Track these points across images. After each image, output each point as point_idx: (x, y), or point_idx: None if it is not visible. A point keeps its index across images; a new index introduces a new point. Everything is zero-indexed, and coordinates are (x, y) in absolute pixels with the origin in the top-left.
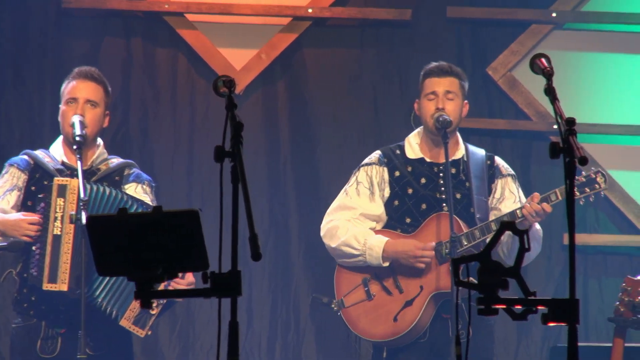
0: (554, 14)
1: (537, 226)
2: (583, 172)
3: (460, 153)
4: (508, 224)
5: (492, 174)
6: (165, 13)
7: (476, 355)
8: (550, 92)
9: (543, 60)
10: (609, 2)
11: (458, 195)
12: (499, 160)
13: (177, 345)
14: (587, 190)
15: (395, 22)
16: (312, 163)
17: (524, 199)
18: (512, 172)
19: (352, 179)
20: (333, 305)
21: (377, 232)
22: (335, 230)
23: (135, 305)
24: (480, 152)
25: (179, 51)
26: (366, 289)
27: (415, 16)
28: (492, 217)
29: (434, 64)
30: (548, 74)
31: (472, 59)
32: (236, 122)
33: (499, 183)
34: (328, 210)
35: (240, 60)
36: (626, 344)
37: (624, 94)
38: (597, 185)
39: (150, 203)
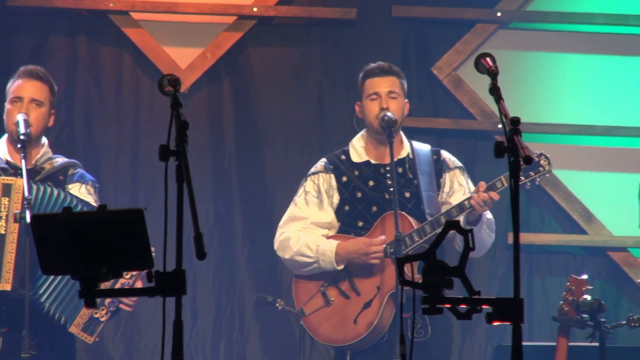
0: (499, 14)
1: (489, 215)
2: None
3: (405, 152)
4: (452, 223)
5: (440, 168)
6: (110, 11)
7: (435, 354)
8: (495, 91)
9: (488, 59)
10: (554, 1)
11: (407, 194)
12: (445, 154)
13: (121, 345)
14: (532, 174)
15: (340, 21)
16: (257, 162)
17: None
18: (460, 164)
19: (300, 190)
20: (277, 305)
21: (330, 237)
22: (287, 242)
23: (85, 312)
24: (426, 147)
25: (124, 50)
26: (324, 295)
27: (360, 15)
28: (443, 211)
29: (373, 64)
30: (493, 74)
31: (417, 58)
32: (181, 121)
33: (447, 177)
34: (280, 223)
35: (185, 59)
36: (570, 343)
37: (568, 94)
38: (541, 168)
39: (94, 204)
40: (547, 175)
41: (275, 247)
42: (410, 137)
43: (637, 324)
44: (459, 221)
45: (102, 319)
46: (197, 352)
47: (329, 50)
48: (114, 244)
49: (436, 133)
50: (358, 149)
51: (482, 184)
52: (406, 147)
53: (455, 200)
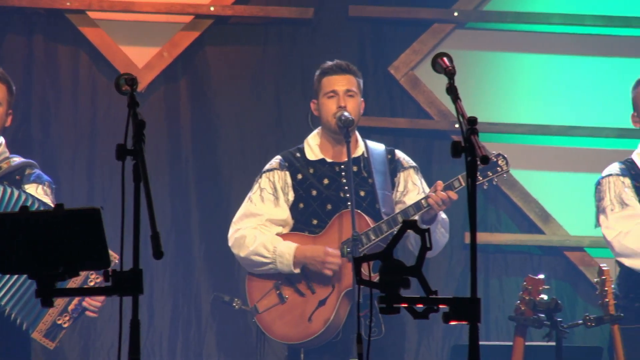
0: (455, 13)
1: (443, 215)
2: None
3: (360, 150)
4: (409, 223)
5: (394, 167)
6: (67, 10)
7: (388, 353)
8: (452, 91)
9: (445, 59)
10: (511, 1)
11: (362, 193)
12: (399, 153)
13: (78, 344)
14: (490, 174)
15: (297, 21)
16: (214, 161)
17: (427, 190)
18: (414, 164)
19: (255, 186)
20: (235, 304)
21: (284, 235)
22: (243, 240)
23: (47, 318)
24: (380, 147)
25: (81, 49)
26: (278, 292)
27: (317, 15)
28: (397, 210)
29: (330, 62)
30: (450, 73)
31: (374, 57)
32: (138, 120)
33: (402, 176)
34: (234, 219)
35: (142, 58)
36: (526, 343)
37: (525, 93)
38: (499, 168)
39: (51, 204)
40: (505, 175)
41: (230, 244)
42: (367, 136)
43: (593, 324)
44: (416, 220)
45: (65, 325)
46: (154, 351)
47: (286, 50)
48: (71, 243)
49: (393, 132)
50: (313, 147)
51: (440, 183)
52: (361, 146)
53: (409, 199)
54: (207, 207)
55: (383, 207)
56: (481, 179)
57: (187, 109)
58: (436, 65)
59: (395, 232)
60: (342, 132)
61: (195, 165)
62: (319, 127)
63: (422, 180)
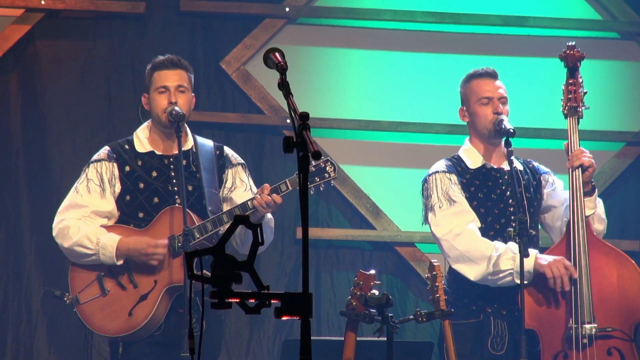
0: (287, 9)
1: (269, 215)
2: (313, 162)
3: (189, 144)
4: (242, 218)
5: (223, 164)
6: None
7: (206, 349)
8: (284, 86)
9: (277, 54)
10: None
11: (190, 187)
12: (228, 150)
13: None
14: (317, 179)
15: (129, 15)
16: (44, 155)
17: (254, 188)
18: (242, 161)
19: (82, 176)
20: (65, 299)
21: (109, 228)
22: (66, 231)
23: None
24: (209, 143)
25: None
26: (100, 284)
27: (148, 9)
28: (225, 207)
29: (161, 57)
30: (282, 68)
31: (205, 52)
32: None
33: (230, 172)
34: (59, 209)
35: None
36: (358, 338)
37: (356, 89)
38: (326, 175)
39: None
40: (332, 182)
41: (54, 234)
42: (198, 131)
43: (424, 319)
44: (248, 216)
45: None
46: None
47: (116, 44)
48: None
49: (224, 127)
50: (142, 139)
51: (267, 186)
52: (190, 140)
53: (235, 195)
54: (38, 200)
55: (209, 205)
56: (309, 184)
57: (17, 103)
58: (268, 61)
59: (229, 226)
60: (172, 126)
61: (26, 159)
62: (149, 120)
63: (250, 178)
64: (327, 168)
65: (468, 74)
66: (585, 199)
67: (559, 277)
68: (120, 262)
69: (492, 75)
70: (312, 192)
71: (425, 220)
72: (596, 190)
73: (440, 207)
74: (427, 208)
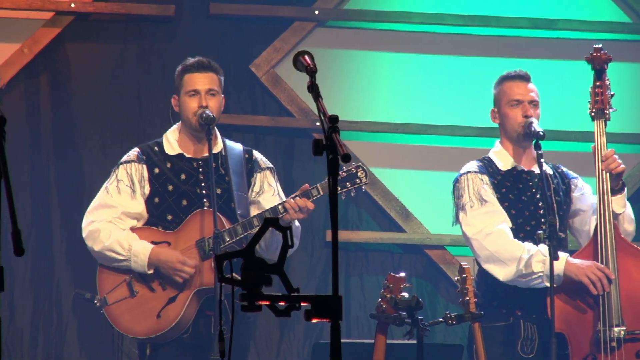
0: (316, 12)
1: (297, 223)
2: (344, 167)
3: (219, 147)
4: (272, 220)
5: (251, 167)
6: None
7: (234, 350)
8: (313, 89)
9: (306, 57)
10: (371, 0)
11: (219, 191)
12: (257, 154)
13: None
14: (349, 185)
15: (158, 18)
16: (75, 158)
17: (282, 193)
18: (271, 165)
19: (112, 177)
20: (96, 301)
21: (138, 230)
22: (97, 234)
23: None
24: (238, 146)
25: None
26: (129, 286)
27: (178, 12)
28: (253, 210)
29: (192, 59)
30: (311, 71)
31: (235, 55)
32: None
33: (258, 177)
34: (89, 208)
35: (2, 55)
36: (388, 340)
37: (385, 92)
38: (358, 180)
39: None
40: (363, 188)
41: (84, 235)
42: (228, 134)
43: (454, 322)
44: (277, 218)
45: None
46: (15, 349)
47: (147, 47)
48: None
49: (254, 130)
50: (172, 142)
51: (306, 186)
52: (220, 143)
53: (263, 199)
54: (69, 204)
55: (238, 209)
56: (340, 189)
57: (47, 106)
58: (297, 63)
59: (258, 229)
60: (203, 129)
61: (56, 161)
62: (179, 122)
63: (278, 183)
64: (359, 174)
65: (501, 75)
66: (615, 197)
67: (598, 281)
68: (150, 272)
69: (524, 78)
70: (342, 198)
71: (456, 220)
72: (626, 188)
73: (471, 207)
74: (459, 208)
